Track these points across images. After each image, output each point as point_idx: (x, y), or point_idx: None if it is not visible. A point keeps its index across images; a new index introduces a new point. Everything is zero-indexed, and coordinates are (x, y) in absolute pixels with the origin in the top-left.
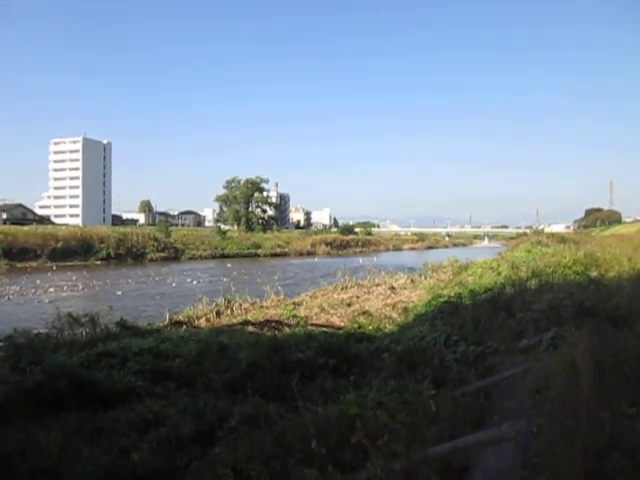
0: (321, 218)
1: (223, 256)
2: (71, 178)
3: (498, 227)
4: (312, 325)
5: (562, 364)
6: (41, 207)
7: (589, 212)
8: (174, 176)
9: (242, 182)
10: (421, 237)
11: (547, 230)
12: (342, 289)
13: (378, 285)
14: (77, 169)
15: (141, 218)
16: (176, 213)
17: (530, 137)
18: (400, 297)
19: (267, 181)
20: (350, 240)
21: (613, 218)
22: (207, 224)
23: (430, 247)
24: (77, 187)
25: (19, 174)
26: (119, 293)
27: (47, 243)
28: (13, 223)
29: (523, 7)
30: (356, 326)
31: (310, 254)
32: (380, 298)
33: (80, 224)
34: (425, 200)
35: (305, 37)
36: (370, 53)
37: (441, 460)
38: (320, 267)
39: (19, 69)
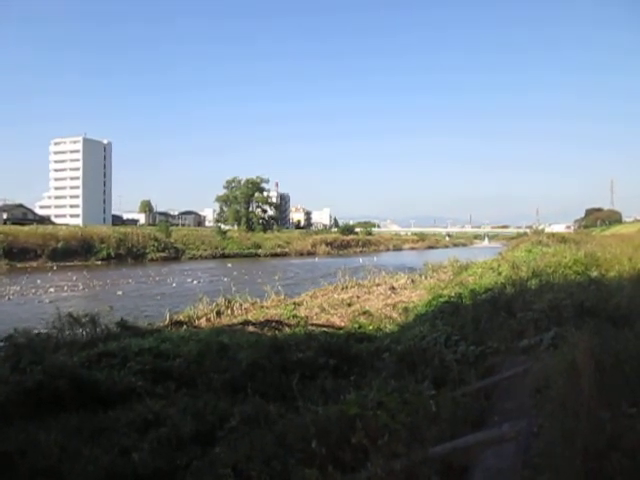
0: (321, 218)
1: (223, 256)
2: (71, 178)
3: (498, 227)
4: (312, 325)
5: (563, 364)
6: (41, 207)
7: (589, 212)
8: (174, 176)
9: (242, 182)
10: (421, 237)
11: (547, 230)
12: (342, 289)
13: (378, 285)
14: (77, 169)
15: (141, 218)
16: (176, 213)
17: (530, 137)
18: (400, 297)
19: (267, 181)
20: (350, 240)
21: (613, 218)
22: (207, 224)
23: (430, 247)
24: (77, 187)
25: (19, 174)
26: (119, 293)
27: (47, 243)
28: (14, 223)
29: (523, 7)
30: (356, 326)
31: (310, 254)
32: (380, 298)
33: (80, 224)
34: (425, 200)
35: (305, 37)
36: (370, 53)
37: (441, 460)
38: (320, 267)
39: (19, 69)
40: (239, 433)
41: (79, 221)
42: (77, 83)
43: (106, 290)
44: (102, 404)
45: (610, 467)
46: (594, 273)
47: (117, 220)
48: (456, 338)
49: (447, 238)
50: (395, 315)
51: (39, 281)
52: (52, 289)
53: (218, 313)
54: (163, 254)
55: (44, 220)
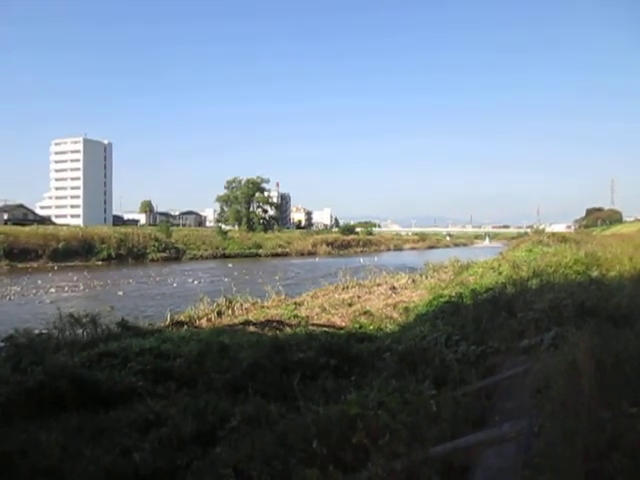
0: (322, 218)
1: (224, 256)
2: (72, 179)
3: (499, 227)
4: (313, 325)
5: (563, 364)
6: (42, 207)
7: (590, 212)
8: (175, 176)
9: (243, 182)
10: (422, 237)
11: (548, 230)
12: (343, 289)
13: (379, 285)
14: (78, 169)
15: (142, 218)
16: (177, 213)
17: (530, 137)
18: (401, 297)
19: (268, 181)
20: (351, 240)
21: (614, 218)
22: (208, 224)
23: (431, 247)
24: (78, 187)
25: (20, 175)
26: (120, 293)
27: (48, 243)
28: (14, 224)
29: (523, 7)
30: (357, 326)
31: (311, 254)
32: (381, 298)
33: (81, 224)
34: (426, 200)
35: (305, 37)
36: (370, 53)
37: (442, 460)
38: (321, 267)
39: (19, 70)
40: (240, 433)
41: (80, 221)
42: (77, 84)
43: (107, 290)
44: (103, 404)
45: (611, 467)
46: (595, 273)
47: (118, 220)
48: (457, 338)
49: (448, 238)
50: (396, 315)
51: (40, 281)
52: (53, 289)
53: (219, 313)
54: (164, 254)
55: (45, 220)
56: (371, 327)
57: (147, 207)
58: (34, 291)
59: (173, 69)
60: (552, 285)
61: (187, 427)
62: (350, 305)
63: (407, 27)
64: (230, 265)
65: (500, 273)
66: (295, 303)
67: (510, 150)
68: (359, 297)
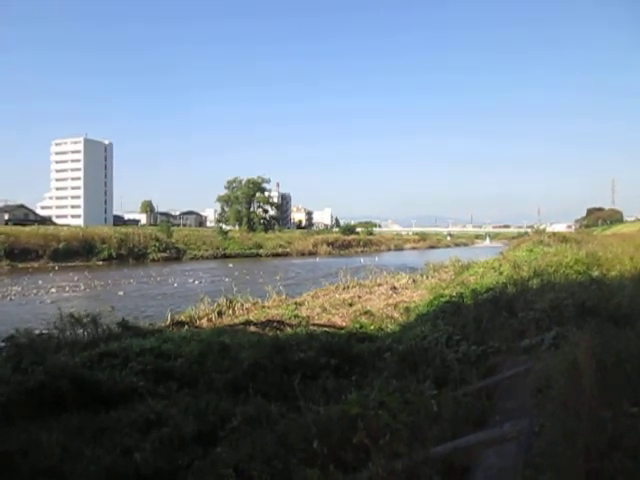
0: (322, 218)
1: (225, 256)
2: (73, 179)
3: (500, 227)
4: (314, 325)
5: (564, 364)
6: (43, 208)
7: (591, 211)
8: (175, 176)
9: (243, 182)
10: (423, 237)
11: (549, 229)
12: (344, 289)
13: (380, 285)
14: (78, 169)
15: (143, 218)
16: (178, 213)
17: (531, 136)
18: (402, 297)
19: (268, 181)
20: (352, 240)
21: (615, 217)
22: (209, 224)
23: (432, 247)
24: (79, 188)
25: (21, 175)
26: (121, 293)
27: (49, 244)
28: (15, 224)
29: (523, 7)
30: (358, 326)
31: (312, 254)
32: (382, 298)
33: (82, 224)
34: (426, 200)
35: (305, 37)
36: (370, 53)
37: (443, 460)
38: (322, 267)
39: (20, 70)
40: (241, 433)
41: (80, 221)
42: (77, 84)
43: (107, 290)
44: (104, 404)
45: (611, 467)
46: (595, 273)
47: (118, 220)
48: (457, 338)
49: (448, 238)
50: (396, 315)
51: (40, 281)
52: (53, 289)
53: (219, 313)
54: (164, 254)
55: (45, 220)
56: (372, 327)
57: (148, 207)
58: (35, 291)
59: (173, 69)
60: (553, 285)
61: (188, 427)
62: (351, 305)
63: (407, 27)
64: (231, 265)
65: (501, 273)
66: (296, 303)
67: (510, 150)
68: (360, 297)
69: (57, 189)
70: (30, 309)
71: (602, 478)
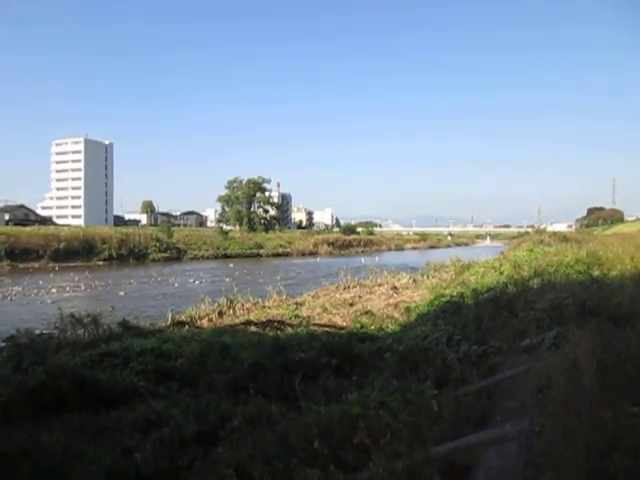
0: (323, 218)
1: (225, 256)
2: (73, 179)
3: (500, 226)
4: (314, 325)
5: (564, 363)
6: (43, 208)
7: (591, 211)
8: (176, 177)
9: (244, 182)
10: (423, 237)
11: (549, 229)
12: (344, 289)
13: (380, 285)
14: (79, 170)
15: (143, 219)
16: (178, 213)
17: (531, 136)
18: (402, 297)
19: (269, 181)
20: (352, 240)
21: (615, 217)
22: (209, 224)
23: (432, 247)
24: (79, 188)
25: (21, 175)
26: (121, 293)
27: (49, 244)
28: (15, 224)
29: (523, 7)
30: (358, 326)
31: (312, 254)
32: (382, 298)
33: (82, 225)
34: (427, 200)
35: (305, 38)
36: (370, 53)
37: (443, 460)
38: (322, 267)
39: (20, 72)
40: (241, 433)
41: (81, 222)
42: (78, 85)
43: (108, 290)
44: (104, 404)
45: (612, 466)
46: (596, 272)
47: (119, 220)
48: (458, 338)
49: (449, 238)
50: (397, 315)
51: (41, 282)
52: (54, 290)
53: (220, 313)
54: (165, 254)
55: (46, 221)
56: (372, 327)
57: (148, 207)
58: (35, 291)
59: (174, 70)
60: (553, 285)
61: (189, 427)
62: (351, 305)
63: (407, 27)
64: (231, 265)
65: (501, 273)
66: (296, 303)
67: (510, 150)
68: (360, 297)
69: (57, 189)
70: (31, 309)
71: (603, 478)
